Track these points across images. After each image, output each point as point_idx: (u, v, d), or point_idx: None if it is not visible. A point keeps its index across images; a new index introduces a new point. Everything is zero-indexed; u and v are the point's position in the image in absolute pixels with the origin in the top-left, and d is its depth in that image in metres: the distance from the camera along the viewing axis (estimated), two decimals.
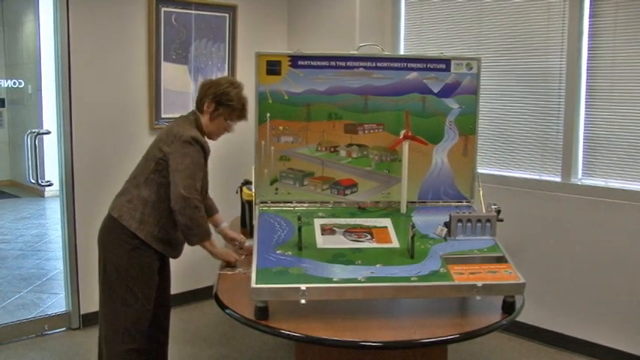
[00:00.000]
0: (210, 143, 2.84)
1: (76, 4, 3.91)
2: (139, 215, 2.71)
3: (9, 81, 7.95)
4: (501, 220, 2.59)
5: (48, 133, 4.19)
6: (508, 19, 4.05)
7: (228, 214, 3.90)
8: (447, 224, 2.56)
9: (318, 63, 2.78)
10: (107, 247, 2.77)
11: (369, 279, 2.26)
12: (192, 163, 2.65)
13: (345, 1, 4.62)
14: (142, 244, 2.71)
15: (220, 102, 2.78)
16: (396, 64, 2.84)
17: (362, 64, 2.81)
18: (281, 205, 2.79)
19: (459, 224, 2.54)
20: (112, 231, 2.76)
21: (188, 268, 4.42)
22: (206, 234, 2.72)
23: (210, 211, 3.13)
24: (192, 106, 4.46)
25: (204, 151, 2.73)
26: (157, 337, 2.98)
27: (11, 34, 8.57)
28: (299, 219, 2.46)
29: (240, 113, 2.82)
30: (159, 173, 2.70)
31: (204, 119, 2.81)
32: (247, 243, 3.10)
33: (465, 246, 2.50)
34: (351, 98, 2.80)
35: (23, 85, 7.71)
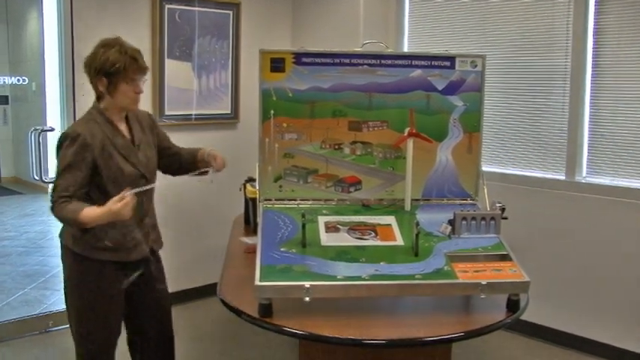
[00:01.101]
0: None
1: (80, 0, 3.90)
2: (73, 229, 2.48)
3: (13, 78, 7.97)
4: (506, 218, 2.58)
5: (52, 130, 4.20)
6: (513, 16, 4.03)
7: (231, 211, 3.91)
8: (451, 222, 2.55)
9: (322, 60, 2.77)
10: (63, 272, 2.61)
11: (373, 277, 2.26)
12: (58, 166, 2.41)
13: None
14: (84, 260, 2.50)
15: (107, 72, 2.43)
16: (400, 62, 2.82)
17: (366, 61, 2.80)
18: (285, 202, 2.78)
19: (464, 222, 2.53)
20: (61, 253, 2.60)
21: (191, 265, 4.42)
22: (73, 222, 2.35)
23: (192, 155, 2.84)
24: (195, 103, 4.54)
25: (82, 143, 2.39)
26: None
27: (15, 32, 8.59)
28: (303, 216, 2.45)
29: (135, 67, 2.46)
30: None
31: (107, 100, 2.49)
32: (250, 241, 3.10)
33: (470, 244, 2.49)
34: (356, 95, 2.80)
35: (27, 82, 7.73)
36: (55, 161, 2.44)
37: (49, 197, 2.41)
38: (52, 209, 2.38)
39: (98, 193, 2.46)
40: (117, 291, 2.58)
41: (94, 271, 2.52)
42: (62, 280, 2.62)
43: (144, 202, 2.59)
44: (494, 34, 4.13)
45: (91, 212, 2.33)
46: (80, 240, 2.49)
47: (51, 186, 2.45)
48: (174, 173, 2.85)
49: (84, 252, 2.50)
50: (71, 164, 2.38)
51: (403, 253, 2.42)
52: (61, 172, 2.39)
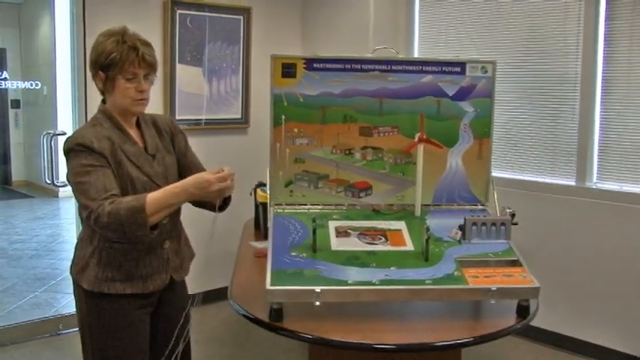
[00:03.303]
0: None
1: (92, 5, 3.94)
2: (82, 261, 2.18)
3: (25, 82, 8.02)
4: (516, 224, 2.58)
5: (63, 134, 4.24)
6: (523, 22, 4.03)
7: (242, 215, 3.93)
8: (461, 227, 2.55)
9: (334, 66, 2.78)
10: (76, 312, 2.28)
11: (384, 281, 2.26)
12: (74, 175, 2.05)
13: (359, 4, 4.63)
14: (92, 296, 2.15)
15: (103, 65, 2.10)
16: (411, 67, 2.83)
17: (377, 67, 2.81)
18: (295, 207, 2.79)
19: (474, 227, 2.54)
20: (73, 290, 2.27)
21: (201, 268, 4.42)
22: (137, 211, 1.96)
23: None
24: (205, 108, 4.56)
25: (89, 148, 2.06)
26: None
27: (27, 36, 8.65)
28: (313, 221, 2.46)
29: (133, 58, 2.09)
30: None
31: (108, 100, 2.19)
32: (261, 245, 3.11)
33: (480, 249, 2.49)
34: (366, 101, 2.80)
35: (39, 86, 7.78)
36: (69, 184, 2.11)
37: (82, 211, 2.04)
38: (97, 219, 1.97)
39: None
40: (141, 329, 2.26)
41: (110, 310, 2.18)
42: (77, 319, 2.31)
43: (165, 223, 2.23)
44: (505, 40, 4.13)
45: (158, 192, 2.00)
46: (88, 270, 2.16)
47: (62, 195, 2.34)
48: None
49: (91, 285, 2.15)
50: (89, 168, 2.04)
51: (413, 258, 2.43)
52: (84, 182, 2.02)
